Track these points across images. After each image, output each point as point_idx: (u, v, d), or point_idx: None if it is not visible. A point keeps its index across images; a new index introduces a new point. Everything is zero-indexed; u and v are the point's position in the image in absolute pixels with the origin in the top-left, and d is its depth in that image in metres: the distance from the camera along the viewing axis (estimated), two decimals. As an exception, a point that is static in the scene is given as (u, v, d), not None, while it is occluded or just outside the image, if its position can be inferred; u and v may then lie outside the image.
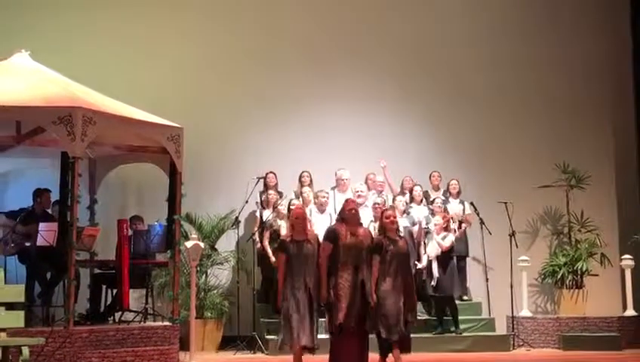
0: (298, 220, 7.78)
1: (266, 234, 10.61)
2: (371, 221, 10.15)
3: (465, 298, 11.28)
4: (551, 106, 12.40)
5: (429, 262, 10.50)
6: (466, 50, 12.34)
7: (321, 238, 7.85)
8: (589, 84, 12.54)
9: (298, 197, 10.94)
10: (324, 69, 12.02)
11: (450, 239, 10.57)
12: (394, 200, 10.88)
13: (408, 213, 10.87)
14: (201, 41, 11.77)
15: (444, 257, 10.50)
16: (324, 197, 10.76)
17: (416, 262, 10.60)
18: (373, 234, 8.11)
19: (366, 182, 11.20)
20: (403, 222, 10.23)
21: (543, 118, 12.36)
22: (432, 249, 10.54)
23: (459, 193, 11.45)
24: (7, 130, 9.01)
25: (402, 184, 11.41)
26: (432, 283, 10.43)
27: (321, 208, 10.72)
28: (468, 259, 11.47)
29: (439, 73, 12.27)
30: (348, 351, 7.59)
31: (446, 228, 10.59)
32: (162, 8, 11.75)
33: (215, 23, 11.87)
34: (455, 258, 10.73)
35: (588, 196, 11.98)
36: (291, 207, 9.91)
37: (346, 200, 8.08)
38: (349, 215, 7.75)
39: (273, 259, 10.40)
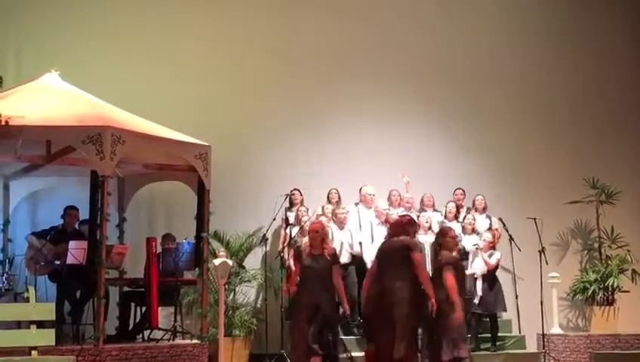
0: (312, 234, 8.16)
1: (291, 252, 10.59)
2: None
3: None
4: (580, 121, 12.31)
5: (474, 280, 10.41)
6: (492, 66, 12.30)
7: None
8: (618, 98, 12.43)
9: (321, 214, 10.92)
10: (351, 85, 11.98)
11: (496, 257, 10.48)
12: (418, 217, 10.76)
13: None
14: (228, 58, 11.82)
15: (490, 275, 10.42)
16: (342, 213, 10.70)
17: None
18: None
19: (389, 199, 11.16)
20: (428, 238, 10.23)
21: (571, 133, 12.27)
22: (477, 266, 10.46)
23: (484, 208, 11.33)
24: (38, 149, 9.10)
25: (422, 201, 11.31)
26: (475, 300, 10.32)
27: (341, 225, 10.68)
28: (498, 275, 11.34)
29: (466, 89, 12.21)
30: None
31: (493, 246, 10.50)
32: (188, 26, 11.82)
33: (243, 39, 11.92)
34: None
35: (618, 211, 11.85)
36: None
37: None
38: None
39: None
